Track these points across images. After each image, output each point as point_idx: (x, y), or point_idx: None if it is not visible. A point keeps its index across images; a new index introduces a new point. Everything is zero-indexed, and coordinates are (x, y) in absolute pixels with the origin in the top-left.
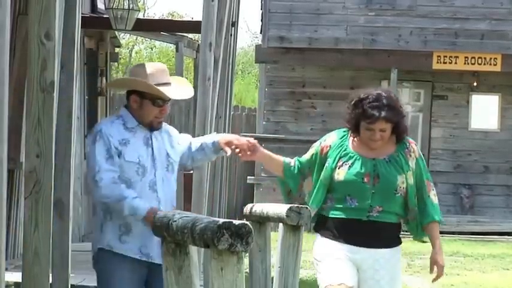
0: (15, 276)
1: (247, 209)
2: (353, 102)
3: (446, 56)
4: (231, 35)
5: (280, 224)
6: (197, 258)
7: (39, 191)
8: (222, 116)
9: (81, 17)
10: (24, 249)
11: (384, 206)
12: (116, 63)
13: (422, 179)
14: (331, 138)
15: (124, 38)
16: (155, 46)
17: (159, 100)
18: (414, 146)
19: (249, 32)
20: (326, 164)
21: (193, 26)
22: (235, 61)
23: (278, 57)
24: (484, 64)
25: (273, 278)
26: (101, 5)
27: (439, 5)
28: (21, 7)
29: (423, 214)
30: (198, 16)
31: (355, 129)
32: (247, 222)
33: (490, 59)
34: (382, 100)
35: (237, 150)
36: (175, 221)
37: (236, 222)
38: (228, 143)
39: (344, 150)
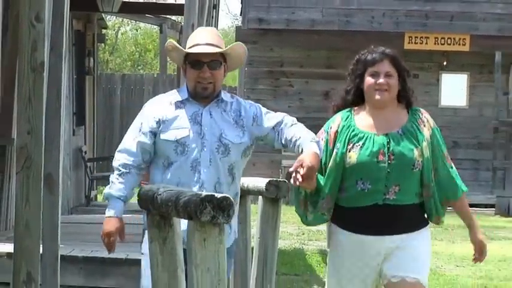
0: (8, 248)
1: None
2: (355, 60)
3: (417, 37)
4: (212, 17)
5: (260, 197)
6: (180, 230)
7: (30, 166)
8: None
9: (69, 0)
10: (16, 222)
11: (401, 184)
12: (102, 44)
13: (441, 150)
14: (335, 123)
15: (110, 20)
16: (140, 28)
17: (196, 61)
18: (428, 115)
19: (229, 14)
20: (335, 150)
21: (177, 8)
22: None
23: (257, 38)
24: (453, 44)
25: (253, 248)
26: None
27: None
28: None
29: (450, 187)
30: None
31: (356, 93)
32: (228, 196)
33: (459, 39)
34: (385, 49)
35: (297, 176)
36: (159, 194)
37: (218, 195)
38: (299, 163)
39: (352, 131)
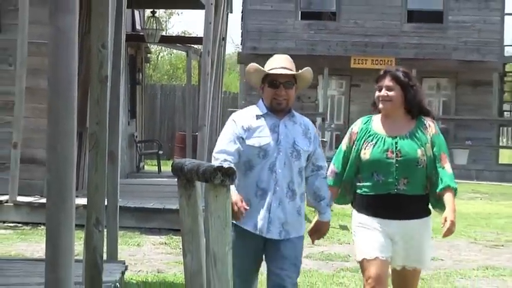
0: (83, 201)
1: None
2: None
3: (360, 59)
4: (221, 45)
5: None
6: (200, 190)
7: (98, 146)
8: (216, 98)
9: (125, 34)
10: (88, 184)
11: (409, 177)
12: (148, 64)
13: (438, 151)
14: (357, 126)
15: (153, 48)
16: (173, 53)
17: (273, 81)
18: (431, 123)
19: (233, 44)
20: (354, 147)
21: (198, 40)
22: (224, 62)
23: (252, 60)
24: (384, 64)
25: None
26: (138, 26)
27: (355, 26)
28: (85, 28)
29: (438, 181)
30: (200, 33)
31: (375, 103)
32: (232, 166)
33: (388, 61)
34: (393, 67)
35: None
36: (186, 165)
37: (225, 166)
38: (313, 233)
39: (368, 132)
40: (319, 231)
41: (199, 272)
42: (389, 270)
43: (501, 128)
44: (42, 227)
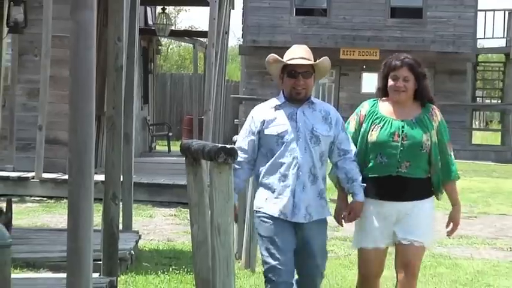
0: (101, 177)
1: (234, 139)
2: (383, 63)
3: (348, 51)
4: (225, 38)
5: None
6: (205, 167)
7: (114, 128)
8: (219, 86)
9: (139, 28)
10: (106, 162)
11: (412, 161)
12: (158, 55)
13: (444, 139)
14: (364, 108)
15: (163, 40)
16: (181, 45)
17: (292, 72)
18: (437, 111)
19: (235, 37)
20: (361, 129)
21: (203, 34)
22: (227, 54)
23: (252, 52)
24: (369, 55)
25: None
26: (150, 21)
27: (343, 21)
28: (103, 22)
29: (446, 171)
30: (205, 28)
31: (384, 89)
32: (234, 146)
33: (373, 52)
34: (406, 55)
35: (345, 219)
36: (193, 145)
37: (228, 146)
38: (350, 210)
39: (376, 115)
40: (353, 211)
41: (205, 240)
42: (389, 252)
43: (474, 112)
44: (65, 200)
